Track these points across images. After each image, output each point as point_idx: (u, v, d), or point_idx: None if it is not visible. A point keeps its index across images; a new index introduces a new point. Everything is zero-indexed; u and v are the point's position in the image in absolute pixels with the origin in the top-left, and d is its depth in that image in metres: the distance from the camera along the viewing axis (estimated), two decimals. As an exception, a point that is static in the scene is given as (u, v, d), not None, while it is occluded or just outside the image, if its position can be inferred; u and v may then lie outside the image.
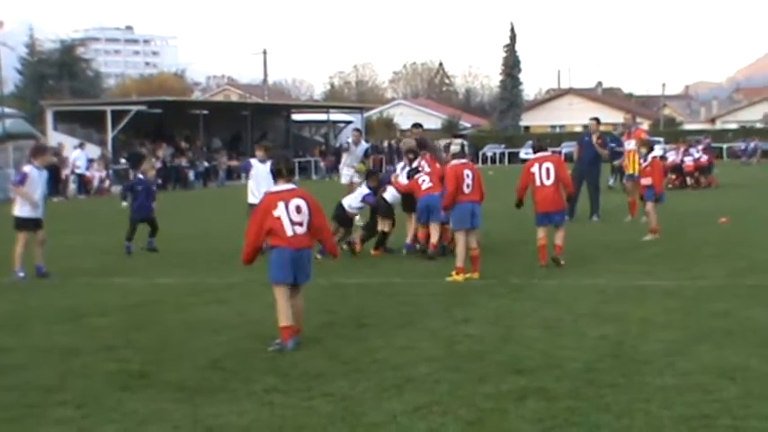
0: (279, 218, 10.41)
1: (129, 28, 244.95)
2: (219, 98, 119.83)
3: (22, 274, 16.41)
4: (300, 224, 10.50)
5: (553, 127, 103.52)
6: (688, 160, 38.41)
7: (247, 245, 10.85)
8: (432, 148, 19.92)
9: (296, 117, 78.45)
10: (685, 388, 8.42)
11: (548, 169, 16.19)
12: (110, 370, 9.75)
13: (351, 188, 23.50)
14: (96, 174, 47.70)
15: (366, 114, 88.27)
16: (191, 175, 54.03)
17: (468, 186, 15.33)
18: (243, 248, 10.92)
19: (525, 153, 69.87)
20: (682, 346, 10.04)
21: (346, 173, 25.90)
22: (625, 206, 24.15)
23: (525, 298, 13.37)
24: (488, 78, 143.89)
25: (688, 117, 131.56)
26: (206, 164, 56.59)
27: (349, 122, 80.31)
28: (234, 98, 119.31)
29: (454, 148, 17.45)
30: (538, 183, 16.21)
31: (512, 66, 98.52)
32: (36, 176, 16.70)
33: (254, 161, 19.56)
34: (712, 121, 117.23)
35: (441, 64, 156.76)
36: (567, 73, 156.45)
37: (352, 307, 12.94)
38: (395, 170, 20.09)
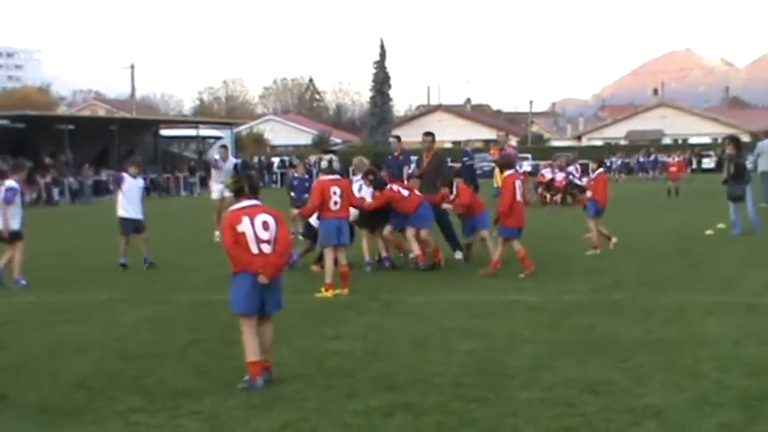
0: (243, 233, 9.47)
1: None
2: (86, 113, 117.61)
3: None
4: (268, 242, 9.51)
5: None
6: (559, 177, 39.10)
7: (233, 261, 9.54)
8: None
9: (165, 132, 77.59)
10: (550, 402, 8.53)
11: (520, 185, 17.32)
12: (-33, 392, 9.44)
13: (222, 204, 23.41)
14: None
15: (236, 130, 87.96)
16: (55, 192, 52.85)
17: (335, 203, 15.31)
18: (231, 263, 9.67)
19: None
20: (547, 361, 10.18)
21: (216, 188, 25.68)
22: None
23: (394, 314, 13.41)
24: (359, 94, 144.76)
25: (555, 134, 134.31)
26: (72, 180, 55.49)
27: (219, 138, 79.75)
28: (101, 113, 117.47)
29: (323, 163, 17.45)
30: (519, 198, 17.07)
31: (382, 82, 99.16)
32: None
33: (126, 176, 19.50)
34: (579, 137, 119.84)
35: (311, 80, 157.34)
36: (436, 89, 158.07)
37: (220, 324, 12.77)
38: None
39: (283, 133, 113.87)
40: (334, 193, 15.36)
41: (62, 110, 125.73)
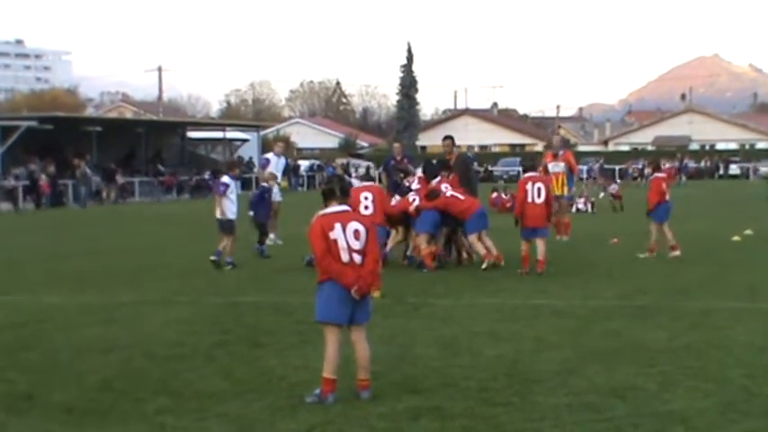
0: (336, 241, 8.91)
1: (19, 42, 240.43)
2: (113, 115, 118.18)
3: None
4: (359, 252, 8.97)
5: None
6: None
7: (324, 270, 9.00)
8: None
9: (191, 135, 77.82)
10: (576, 407, 8.52)
11: (539, 189, 17.74)
12: (-5, 391, 9.50)
13: (278, 206, 23.56)
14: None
15: (263, 133, 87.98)
16: (82, 191, 53.14)
17: (366, 208, 15.57)
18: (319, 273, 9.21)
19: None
20: (573, 366, 10.16)
21: (275, 191, 25.69)
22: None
23: (421, 317, 13.41)
24: (386, 98, 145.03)
25: (582, 139, 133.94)
26: (100, 181, 55.82)
27: (245, 140, 79.97)
28: (128, 115, 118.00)
29: (361, 170, 18.01)
30: (530, 199, 17.64)
31: (409, 86, 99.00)
32: None
33: (229, 179, 20.17)
34: (605, 143, 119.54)
35: (338, 83, 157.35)
36: (463, 94, 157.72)
37: (246, 326, 12.82)
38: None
39: (310, 136, 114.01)
40: (365, 198, 15.71)
41: (89, 111, 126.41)
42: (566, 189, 24.57)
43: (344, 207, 9.13)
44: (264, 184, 22.04)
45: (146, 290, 16.56)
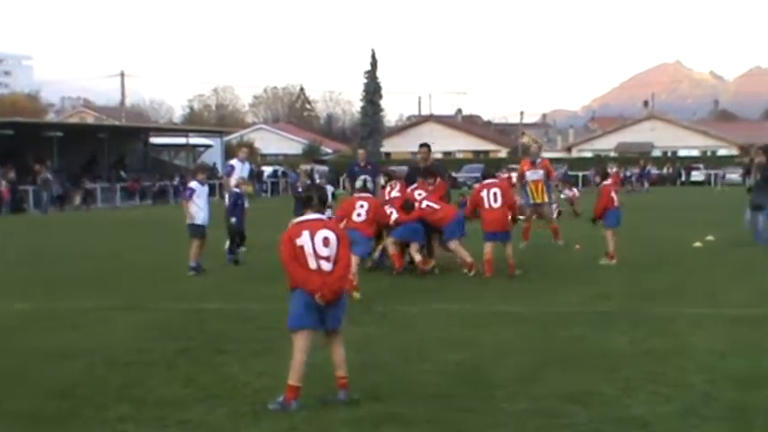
0: (302, 247, 9.00)
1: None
2: (75, 120, 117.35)
3: None
4: (327, 259, 9.02)
5: (414, 153, 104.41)
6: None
7: (290, 277, 9.10)
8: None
9: (154, 140, 77.49)
10: (538, 413, 8.55)
11: (495, 194, 18.26)
12: (-45, 399, 9.42)
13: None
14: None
15: (226, 138, 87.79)
16: (44, 197, 52.73)
17: (358, 215, 16.29)
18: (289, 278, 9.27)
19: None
20: (535, 372, 10.20)
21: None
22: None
23: (383, 325, 13.41)
24: (350, 104, 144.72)
25: (546, 145, 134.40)
26: (59, 188, 55.40)
27: (209, 146, 79.72)
28: (90, 120, 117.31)
29: (358, 183, 18.84)
30: (486, 205, 18.17)
31: (373, 92, 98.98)
32: None
33: (197, 183, 20.12)
34: (569, 149, 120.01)
35: (302, 89, 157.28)
36: (427, 100, 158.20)
37: (210, 333, 12.79)
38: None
39: (273, 142, 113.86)
40: (361, 207, 16.45)
41: (50, 117, 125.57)
42: (545, 196, 24.68)
43: (317, 215, 9.23)
44: (237, 190, 21.96)
45: (109, 296, 16.46)
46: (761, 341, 11.72)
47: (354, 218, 16.31)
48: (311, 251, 8.98)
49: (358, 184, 18.70)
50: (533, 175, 24.70)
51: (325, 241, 9.04)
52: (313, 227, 9.09)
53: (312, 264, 8.96)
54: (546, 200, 24.88)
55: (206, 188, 20.28)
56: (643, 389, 9.38)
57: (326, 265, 9.00)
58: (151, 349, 11.71)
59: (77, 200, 55.70)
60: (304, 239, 8.99)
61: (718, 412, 8.52)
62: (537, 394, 9.21)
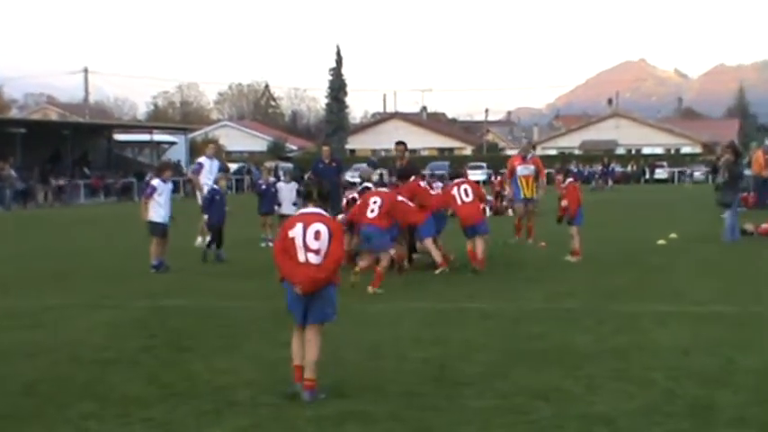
0: (293, 239, 9.18)
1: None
2: (38, 116, 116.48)
3: None
4: (316, 252, 9.14)
5: (378, 151, 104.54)
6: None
7: (278, 268, 9.38)
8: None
9: (118, 137, 77.11)
10: (503, 409, 8.56)
11: (465, 189, 18.59)
12: None
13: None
14: None
15: (191, 135, 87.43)
16: (7, 194, 52.33)
17: (372, 211, 16.38)
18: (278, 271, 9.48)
19: (351, 177, 70.19)
20: (500, 368, 10.22)
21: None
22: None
23: (349, 322, 13.37)
24: (315, 101, 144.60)
25: (510, 143, 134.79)
26: (23, 184, 55.01)
27: (173, 143, 79.39)
28: (53, 117, 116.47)
29: (375, 177, 18.95)
30: (459, 202, 18.45)
31: (338, 89, 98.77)
32: None
33: (159, 181, 19.87)
34: (533, 147, 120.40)
35: (267, 86, 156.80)
36: (392, 97, 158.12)
37: (172, 330, 12.72)
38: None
39: (238, 139, 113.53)
40: (374, 203, 16.47)
41: (13, 113, 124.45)
42: (535, 191, 24.77)
43: (314, 209, 9.42)
44: (215, 186, 21.87)
45: (72, 293, 16.36)
46: (724, 338, 11.78)
47: (368, 214, 16.39)
48: (301, 243, 9.14)
49: (375, 178, 18.91)
50: (524, 170, 24.76)
51: (317, 234, 9.16)
52: (307, 220, 9.27)
53: (301, 256, 9.13)
54: (535, 196, 24.90)
55: (169, 186, 20.15)
56: (607, 386, 9.42)
57: (315, 258, 9.13)
58: (114, 347, 11.64)
59: (41, 197, 55.32)
60: (296, 231, 9.19)
61: (681, 409, 8.55)
62: (503, 391, 9.22)
